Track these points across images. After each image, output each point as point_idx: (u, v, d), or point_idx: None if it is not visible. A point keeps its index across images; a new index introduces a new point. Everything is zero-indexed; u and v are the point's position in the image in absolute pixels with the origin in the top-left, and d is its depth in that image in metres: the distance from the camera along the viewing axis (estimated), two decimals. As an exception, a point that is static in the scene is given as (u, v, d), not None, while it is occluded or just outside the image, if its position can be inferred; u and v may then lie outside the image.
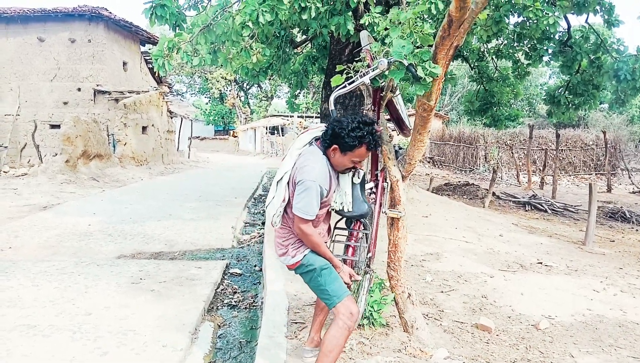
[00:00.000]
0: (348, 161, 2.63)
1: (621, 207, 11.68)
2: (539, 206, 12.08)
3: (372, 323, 3.47)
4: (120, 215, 8.38)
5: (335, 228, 2.95)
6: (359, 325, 3.41)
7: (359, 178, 2.78)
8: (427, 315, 4.01)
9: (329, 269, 2.66)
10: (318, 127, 2.79)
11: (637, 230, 9.84)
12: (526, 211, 11.83)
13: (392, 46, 2.70)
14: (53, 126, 17.39)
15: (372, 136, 2.59)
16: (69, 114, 15.83)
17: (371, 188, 3.28)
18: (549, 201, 12.54)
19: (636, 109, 31.87)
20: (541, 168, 19.27)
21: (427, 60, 2.67)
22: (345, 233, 2.98)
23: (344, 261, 2.81)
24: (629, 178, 18.68)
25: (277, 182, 2.67)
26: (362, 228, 2.94)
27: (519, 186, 18.06)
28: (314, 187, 2.52)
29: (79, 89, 17.56)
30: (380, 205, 3.28)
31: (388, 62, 2.72)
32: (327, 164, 2.65)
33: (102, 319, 3.79)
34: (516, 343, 3.64)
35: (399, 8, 3.01)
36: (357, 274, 2.87)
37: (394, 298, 3.41)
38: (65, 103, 17.55)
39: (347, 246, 2.87)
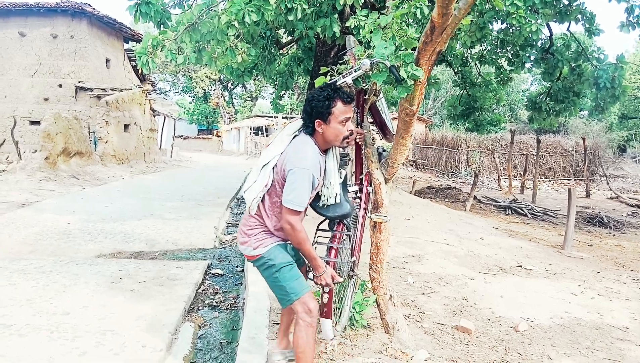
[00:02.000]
0: (338, 127, 2.56)
1: (599, 212, 11.89)
2: (519, 210, 12.24)
3: (354, 324, 3.48)
4: (100, 214, 8.28)
5: (317, 229, 2.93)
6: (345, 328, 3.40)
7: (340, 177, 2.77)
8: (408, 317, 4.04)
9: (290, 266, 2.62)
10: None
11: (614, 235, 10.03)
12: (507, 215, 11.98)
13: (375, 47, 2.72)
14: (33, 123, 17.11)
15: (339, 90, 2.57)
16: (50, 110, 15.62)
17: (355, 192, 3.29)
18: (529, 205, 12.72)
19: (615, 117, 32.51)
20: (522, 173, 19.54)
21: (410, 62, 2.69)
22: (328, 234, 2.97)
23: (327, 263, 2.80)
24: (607, 183, 19.05)
25: (263, 166, 2.60)
26: (345, 229, 2.94)
27: (500, 190, 18.28)
28: (307, 175, 2.46)
29: (60, 86, 17.32)
30: (366, 210, 3.29)
31: (370, 63, 2.73)
32: (318, 153, 2.59)
33: (81, 319, 3.73)
34: (495, 345, 3.69)
35: (385, 12, 3.02)
36: (340, 276, 2.87)
37: (376, 299, 3.43)
38: (45, 99, 17.29)
39: (329, 248, 2.86)
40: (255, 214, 2.66)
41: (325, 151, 2.68)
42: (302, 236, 2.51)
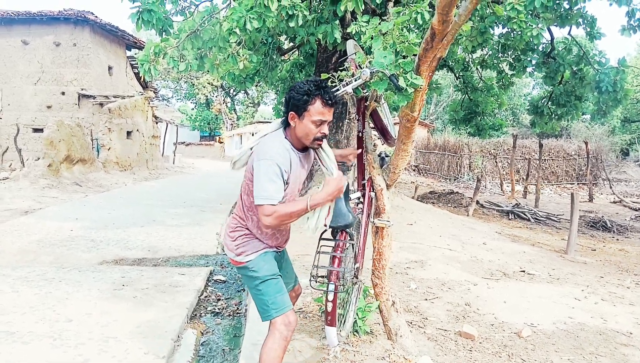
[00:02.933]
0: (310, 126, 2.37)
1: (602, 216, 11.87)
2: (522, 215, 12.22)
3: (357, 331, 3.47)
4: (103, 221, 8.29)
5: (320, 239, 2.92)
6: (348, 335, 3.39)
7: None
8: (411, 323, 4.02)
9: (276, 280, 2.48)
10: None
11: (617, 239, 10.00)
12: (509, 219, 11.96)
13: (374, 56, 2.72)
14: (36, 130, 17.15)
15: (323, 88, 2.37)
16: (53, 118, 15.66)
17: (358, 198, 3.29)
18: (532, 210, 12.69)
19: (617, 120, 32.45)
20: (524, 177, 19.51)
21: (410, 71, 2.69)
22: (332, 244, 2.96)
23: (330, 272, 2.79)
24: (610, 187, 19.00)
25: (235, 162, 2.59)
26: (348, 238, 2.93)
27: (503, 195, 18.25)
28: (271, 165, 2.30)
29: (63, 93, 17.38)
30: (368, 216, 3.29)
31: (370, 72, 2.73)
32: (290, 147, 2.43)
33: (83, 326, 3.73)
34: (499, 351, 3.67)
35: (386, 17, 3.04)
36: (343, 285, 2.86)
37: (379, 305, 3.42)
38: (49, 107, 17.34)
39: (332, 257, 2.85)
40: (236, 215, 2.56)
41: (304, 149, 2.51)
42: (290, 211, 2.31)
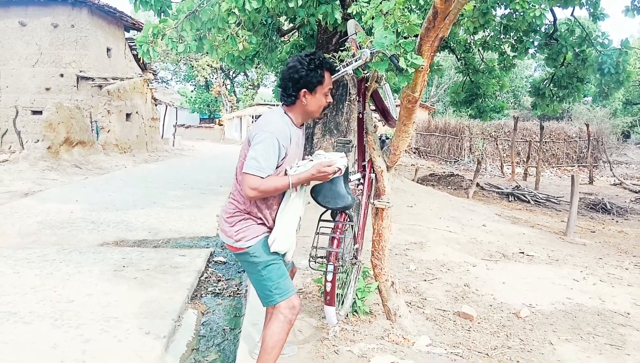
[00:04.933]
0: (322, 98, 2.44)
1: (602, 199, 11.88)
2: (522, 197, 12.23)
3: (356, 311, 3.49)
4: (103, 203, 8.30)
5: (320, 220, 2.92)
6: (347, 315, 3.41)
7: (341, 168, 2.75)
8: (410, 303, 4.05)
9: (278, 264, 2.45)
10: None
11: (617, 221, 10.02)
12: (509, 201, 11.97)
13: (375, 37, 2.69)
14: (35, 112, 17.10)
15: (324, 59, 2.43)
16: (52, 100, 15.57)
17: (358, 179, 3.29)
18: (532, 192, 12.69)
19: (619, 103, 32.28)
20: (525, 160, 19.48)
21: (410, 51, 2.66)
22: (331, 225, 2.96)
23: (329, 253, 2.79)
24: (611, 170, 18.99)
25: None
26: (347, 219, 2.93)
27: (503, 177, 18.26)
28: (270, 138, 2.28)
29: (62, 75, 17.28)
30: (368, 196, 3.29)
31: (371, 53, 2.71)
32: (290, 123, 2.43)
33: (85, 306, 3.76)
34: (497, 331, 3.70)
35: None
36: (343, 265, 2.87)
37: (378, 286, 3.44)
38: (47, 89, 17.26)
39: (332, 238, 2.85)
40: (233, 199, 2.51)
41: (301, 125, 2.53)
42: (275, 185, 2.30)
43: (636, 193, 14.58)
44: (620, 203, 12.05)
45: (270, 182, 2.28)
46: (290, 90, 2.40)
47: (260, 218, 2.48)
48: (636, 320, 4.12)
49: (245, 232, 2.44)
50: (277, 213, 2.50)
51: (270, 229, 2.50)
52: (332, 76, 2.61)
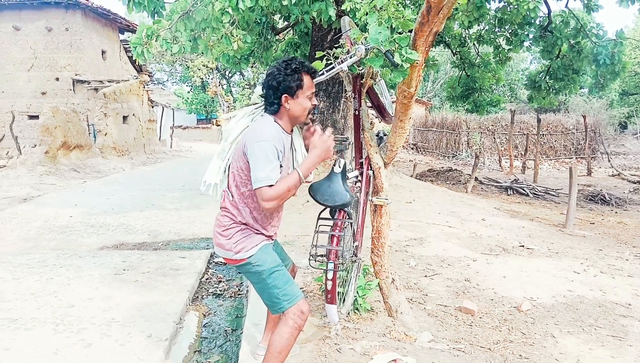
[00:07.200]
0: (305, 101, 2.41)
1: (601, 190, 11.89)
2: (521, 190, 12.24)
3: (357, 309, 3.49)
4: (102, 206, 8.29)
5: (319, 218, 2.92)
6: (349, 313, 3.41)
7: (340, 166, 2.75)
8: (411, 300, 4.05)
9: (282, 270, 2.43)
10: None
11: (616, 212, 10.03)
12: (508, 195, 11.98)
13: (369, 33, 2.68)
14: (31, 117, 17.06)
15: (302, 62, 2.39)
16: (48, 104, 15.52)
17: (356, 176, 3.28)
18: (530, 185, 12.70)
19: (615, 93, 32.31)
20: (523, 153, 19.50)
21: (405, 46, 2.65)
22: (330, 223, 2.95)
23: (329, 251, 2.78)
24: (609, 161, 19.01)
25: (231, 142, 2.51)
26: (346, 217, 2.92)
27: (501, 170, 18.26)
28: (268, 146, 2.27)
29: (57, 79, 17.23)
30: (367, 193, 3.28)
31: (365, 49, 2.70)
32: (281, 130, 2.41)
33: (85, 311, 3.75)
34: (499, 325, 3.70)
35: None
36: (343, 263, 2.86)
37: (378, 283, 3.44)
38: (43, 93, 17.21)
39: (331, 236, 2.84)
40: (227, 211, 2.47)
41: (290, 131, 2.51)
42: (287, 186, 2.26)
43: (634, 183, 14.59)
44: (619, 193, 12.07)
45: (281, 185, 2.25)
46: (271, 97, 2.40)
47: (257, 229, 2.46)
48: (637, 311, 4.12)
49: (244, 242, 2.42)
50: (275, 221, 2.52)
51: (268, 237, 2.50)
52: (327, 74, 2.59)
